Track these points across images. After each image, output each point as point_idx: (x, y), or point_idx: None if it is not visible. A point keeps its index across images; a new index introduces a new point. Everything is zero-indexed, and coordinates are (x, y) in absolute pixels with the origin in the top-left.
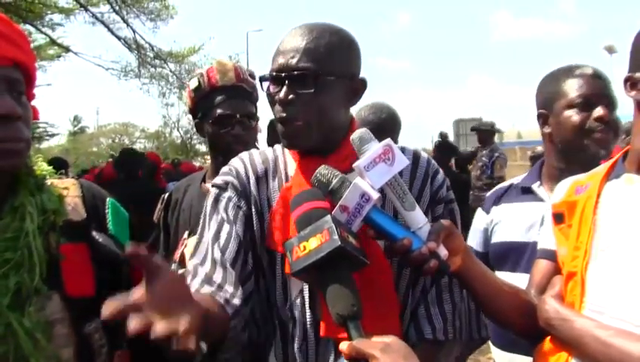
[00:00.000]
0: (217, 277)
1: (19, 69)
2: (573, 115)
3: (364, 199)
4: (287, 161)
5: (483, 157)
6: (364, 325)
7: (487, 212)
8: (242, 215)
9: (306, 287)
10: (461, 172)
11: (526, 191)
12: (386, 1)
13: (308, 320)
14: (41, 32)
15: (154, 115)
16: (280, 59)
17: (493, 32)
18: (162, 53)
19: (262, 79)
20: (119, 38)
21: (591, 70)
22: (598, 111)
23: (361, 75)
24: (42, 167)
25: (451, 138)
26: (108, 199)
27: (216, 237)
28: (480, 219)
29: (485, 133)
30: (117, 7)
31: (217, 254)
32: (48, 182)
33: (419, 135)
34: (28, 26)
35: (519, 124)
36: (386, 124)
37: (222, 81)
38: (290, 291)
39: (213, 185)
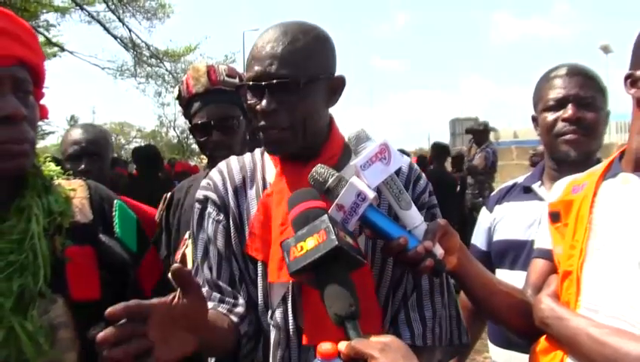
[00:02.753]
0: (215, 294)
1: (25, 67)
2: (547, 117)
3: (361, 198)
4: (266, 166)
5: (477, 156)
6: None
7: (491, 211)
8: (222, 228)
9: (288, 294)
10: (457, 171)
11: (527, 191)
12: (384, 2)
13: (290, 327)
14: (37, 32)
15: (150, 114)
16: (257, 66)
17: (490, 33)
18: (158, 52)
19: (239, 88)
20: (115, 37)
21: (565, 70)
22: (566, 111)
23: (359, 75)
24: (50, 167)
25: (447, 137)
26: (115, 201)
27: (205, 256)
28: (484, 218)
29: (479, 133)
30: (113, 6)
31: (208, 273)
32: (56, 182)
33: (416, 135)
34: None
35: (515, 123)
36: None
37: (195, 88)
38: (272, 299)
39: (196, 200)
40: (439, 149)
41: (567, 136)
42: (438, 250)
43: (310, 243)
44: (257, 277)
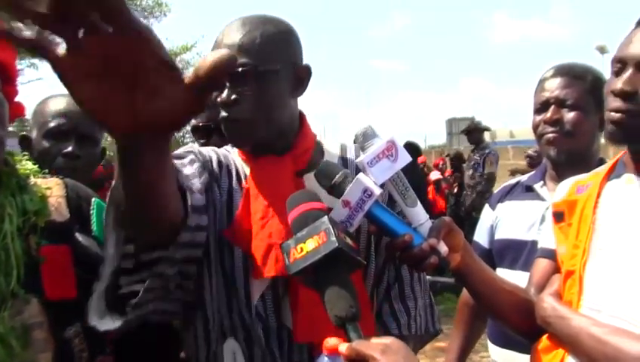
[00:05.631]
0: (188, 170)
1: None
2: (535, 119)
3: (367, 194)
4: (239, 160)
5: (475, 156)
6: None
7: (493, 208)
8: (205, 178)
9: (268, 292)
10: (455, 171)
11: (529, 190)
12: (383, 3)
13: (271, 324)
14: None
15: None
16: None
17: (489, 34)
18: None
19: None
20: None
21: (551, 72)
22: (545, 113)
23: (358, 76)
24: (26, 165)
25: (444, 137)
26: (93, 199)
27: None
28: (487, 216)
29: (475, 133)
30: None
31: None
32: (31, 181)
33: (412, 135)
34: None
35: (512, 123)
36: None
37: None
38: (253, 294)
39: (173, 156)
40: (411, 149)
41: (547, 137)
42: (443, 248)
43: (310, 244)
44: (234, 267)
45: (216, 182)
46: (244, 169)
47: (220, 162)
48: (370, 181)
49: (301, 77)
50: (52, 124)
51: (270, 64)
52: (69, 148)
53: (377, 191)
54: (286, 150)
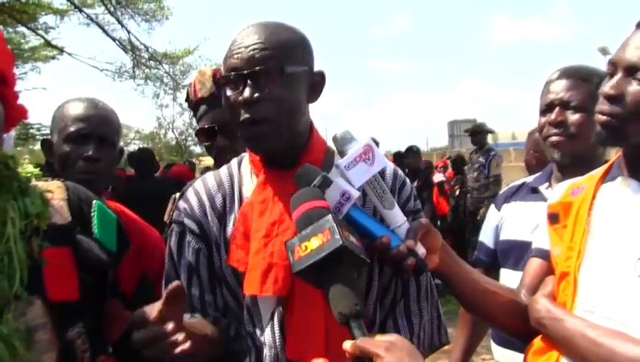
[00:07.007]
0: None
1: None
2: (540, 121)
3: (345, 197)
4: (243, 179)
5: (480, 158)
6: (331, 338)
7: (499, 209)
8: (203, 257)
9: (277, 310)
10: (457, 173)
11: (535, 191)
12: (383, 4)
13: (277, 344)
14: (36, 34)
15: (148, 116)
16: (237, 57)
17: (489, 35)
18: (157, 54)
19: (218, 84)
20: (114, 39)
21: (557, 74)
22: (550, 115)
23: (358, 77)
24: (27, 169)
25: (446, 139)
26: (94, 202)
27: (190, 283)
28: (492, 216)
29: (479, 135)
30: (111, 9)
31: (196, 302)
32: (33, 184)
33: (413, 136)
34: (22, 28)
35: (513, 125)
36: None
37: (201, 92)
38: (260, 314)
39: (173, 221)
40: (414, 153)
41: (551, 139)
42: (420, 249)
43: (314, 243)
44: (241, 289)
45: (214, 237)
46: (246, 187)
47: (218, 212)
48: (348, 184)
49: (316, 83)
50: (72, 129)
51: (295, 65)
52: (90, 152)
53: (355, 194)
54: (293, 164)
